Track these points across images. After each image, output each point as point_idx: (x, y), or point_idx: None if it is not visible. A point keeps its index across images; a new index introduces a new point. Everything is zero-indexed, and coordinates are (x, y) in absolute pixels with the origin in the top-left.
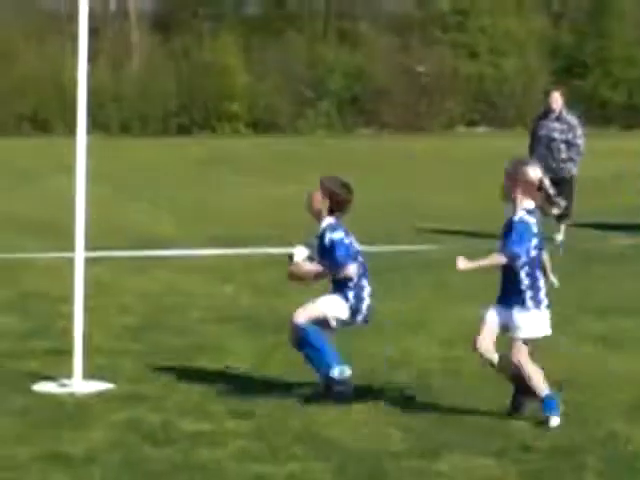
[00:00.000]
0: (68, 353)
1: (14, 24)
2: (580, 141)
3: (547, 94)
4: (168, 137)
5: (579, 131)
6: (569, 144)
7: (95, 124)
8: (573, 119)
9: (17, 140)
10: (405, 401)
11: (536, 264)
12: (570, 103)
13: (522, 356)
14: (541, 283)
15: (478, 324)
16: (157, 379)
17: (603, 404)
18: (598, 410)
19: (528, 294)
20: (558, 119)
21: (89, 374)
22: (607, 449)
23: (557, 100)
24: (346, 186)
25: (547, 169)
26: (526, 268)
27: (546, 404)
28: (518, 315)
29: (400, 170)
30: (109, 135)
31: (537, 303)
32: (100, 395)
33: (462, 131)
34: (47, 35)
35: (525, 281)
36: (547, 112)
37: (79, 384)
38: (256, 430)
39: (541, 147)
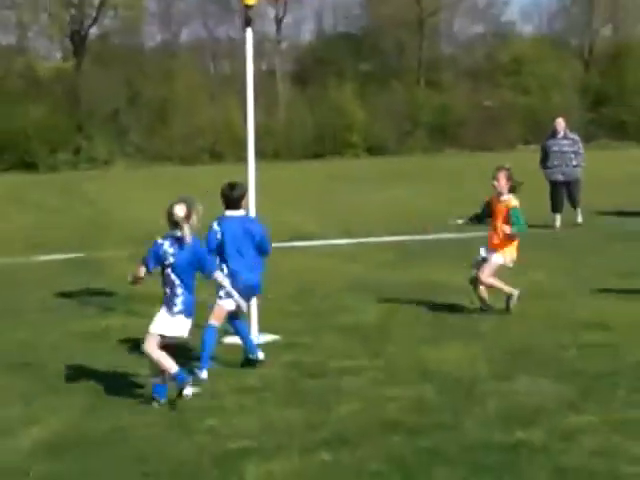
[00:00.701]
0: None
1: (197, 84)
2: (582, 151)
3: (554, 120)
4: (307, 160)
5: (581, 144)
6: (576, 154)
7: (255, 153)
8: (575, 136)
9: (199, 168)
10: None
11: None
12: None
13: None
14: None
15: None
16: (310, 332)
17: (630, 340)
18: (628, 344)
19: None
20: (565, 137)
21: (263, 329)
22: (636, 372)
23: (561, 124)
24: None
25: (562, 174)
26: None
27: None
28: None
29: (475, 179)
30: (264, 160)
31: None
32: (271, 344)
33: (520, 148)
34: (219, 90)
35: None
36: (554, 133)
37: (256, 337)
38: (384, 365)
39: (556, 159)
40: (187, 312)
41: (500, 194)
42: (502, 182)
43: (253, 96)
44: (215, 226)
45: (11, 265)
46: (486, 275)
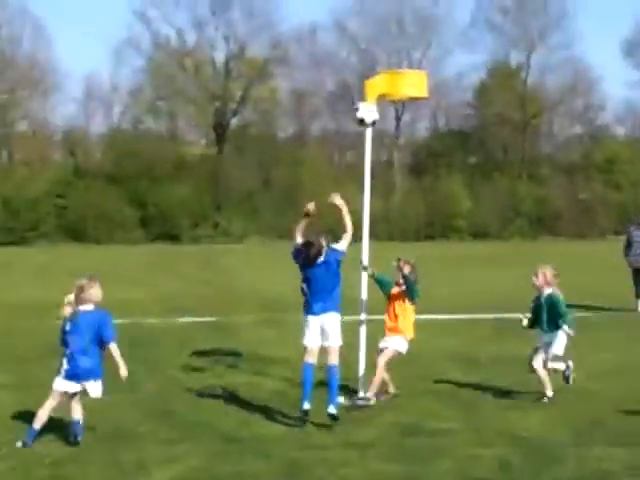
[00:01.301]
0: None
1: (322, 171)
2: None
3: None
4: (419, 242)
5: None
6: None
7: (371, 234)
8: None
9: None
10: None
11: None
12: None
13: None
14: None
15: None
16: (410, 397)
17: None
18: None
19: None
20: None
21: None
22: None
23: None
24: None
25: None
26: None
27: None
28: None
29: (571, 263)
30: (379, 241)
31: None
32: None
33: (611, 238)
34: (342, 178)
35: None
36: (639, 224)
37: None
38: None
39: (638, 248)
40: None
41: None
42: (541, 279)
43: (371, 184)
44: None
45: (152, 325)
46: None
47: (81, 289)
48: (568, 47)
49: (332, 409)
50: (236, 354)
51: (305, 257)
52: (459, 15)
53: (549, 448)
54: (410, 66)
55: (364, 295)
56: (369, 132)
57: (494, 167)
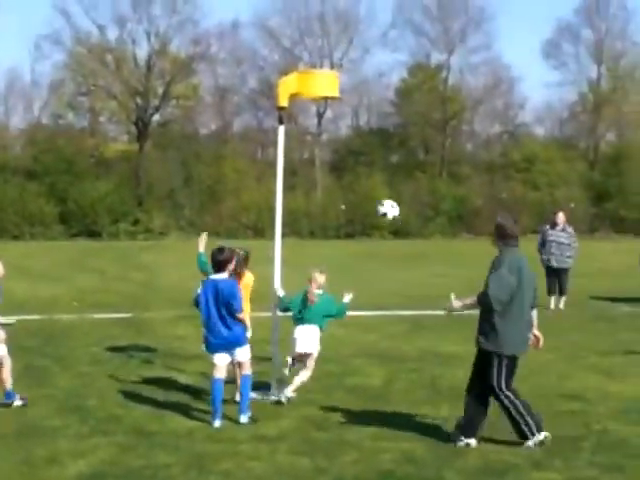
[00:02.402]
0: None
1: (244, 168)
2: (576, 245)
3: (555, 213)
4: (339, 240)
5: (575, 238)
6: (571, 247)
7: (293, 231)
8: (572, 230)
9: (241, 242)
10: None
11: None
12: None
13: None
14: None
15: None
16: (323, 392)
17: (600, 411)
18: (597, 414)
19: None
20: (563, 230)
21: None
22: (600, 438)
23: (562, 217)
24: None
25: (556, 262)
26: None
27: None
28: None
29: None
30: (301, 238)
31: None
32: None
33: (530, 237)
34: (263, 174)
35: None
36: (554, 224)
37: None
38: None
39: (552, 248)
40: None
41: None
42: None
43: (293, 181)
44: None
45: (68, 321)
46: None
47: None
48: (488, 48)
49: (243, 418)
50: (150, 350)
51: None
52: (381, 15)
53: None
54: (331, 65)
55: (280, 292)
56: (282, 130)
57: (415, 166)
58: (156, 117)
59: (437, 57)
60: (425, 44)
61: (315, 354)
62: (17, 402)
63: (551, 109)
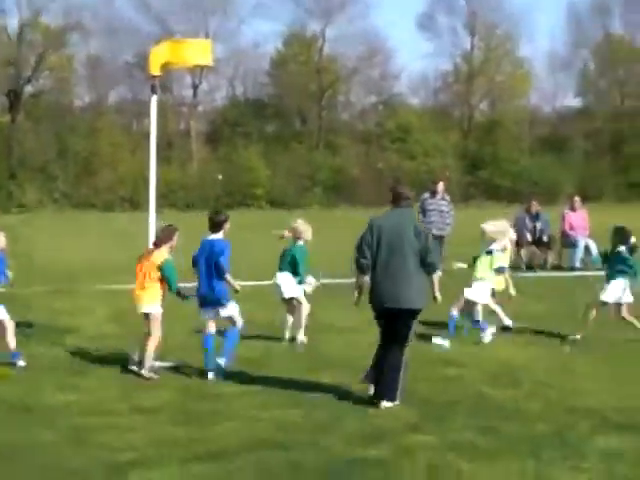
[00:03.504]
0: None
1: (119, 140)
2: (453, 212)
3: (435, 182)
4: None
5: (452, 206)
6: (450, 214)
7: (169, 203)
8: (449, 198)
9: (118, 214)
10: None
11: None
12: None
13: None
14: None
15: None
16: (201, 362)
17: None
18: (472, 379)
19: None
20: (442, 198)
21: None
22: (475, 401)
23: (441, 186)
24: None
25: (437, 229)
26: None
27: None
28: None
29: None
30: (178, 211)
31: None
32: (166, 369)
33: None
34: (139, 146)
35: None
36: (434, 193)
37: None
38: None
39: (433, 216)
40: None
41: None
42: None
43: (169, 153)
44: None
45: None
46: None
47: None
48: (365, 18)
49: (220, 360)
50: (27, 325)
51: None
52: None
53: (331, 408)
54: (207, 35)
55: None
56: (154, 100)
57: (291, 136)
58: (29, 88)
59: (313, 27)
60: (301, 14)
61: (298, 296)
62: (20, 363)
63: (426, 79)
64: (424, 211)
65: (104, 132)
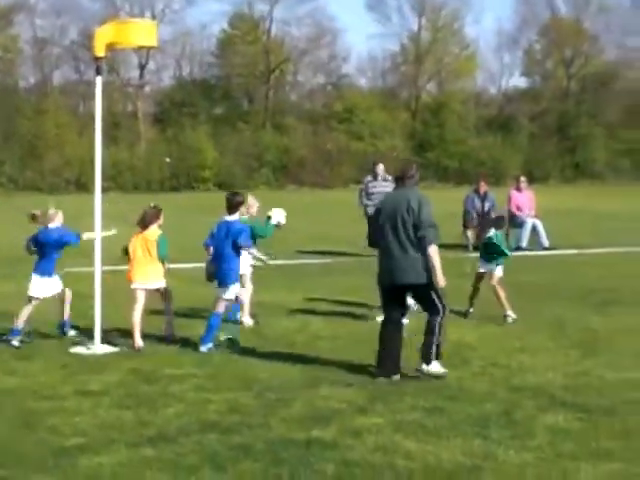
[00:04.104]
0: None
1: (66, 122)
2: None
3: (375, 164)
4: (164, 193)
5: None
6: None
7: (116, 184)
8: (391, 178)
9: (65, 197)
10: None
11: None
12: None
13: None
14: None
15: None
16: (150, 345)
17: None
18: None
19: None
20: (384, 180)
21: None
22: (423, 381)
23: (381, 167)
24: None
25: None
26: None
27: None
28: None
29: (315, 212)
30: (125, 192)
31: None
32: (115, 354)
33: (353, 187)
34: (86, 128)
35: None
36: (375, 176)
37: (98, 347)
38: (210, 373)
39: (377, 198)
40: None
41: None
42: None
43: (116, 134)
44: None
45: None
46: None
47: None
48: None
49: (202, 348)
50: None
51: None
52: None
53: (280, 390)
54: (153, 16)
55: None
56: (99, 81)
57: (239, 117)
58: None
59: (261, 8)
60: None
61: (248, 274)
62: (71, 332)
63: (374, 60)
64: (367, 194)
65: (50, 114)
